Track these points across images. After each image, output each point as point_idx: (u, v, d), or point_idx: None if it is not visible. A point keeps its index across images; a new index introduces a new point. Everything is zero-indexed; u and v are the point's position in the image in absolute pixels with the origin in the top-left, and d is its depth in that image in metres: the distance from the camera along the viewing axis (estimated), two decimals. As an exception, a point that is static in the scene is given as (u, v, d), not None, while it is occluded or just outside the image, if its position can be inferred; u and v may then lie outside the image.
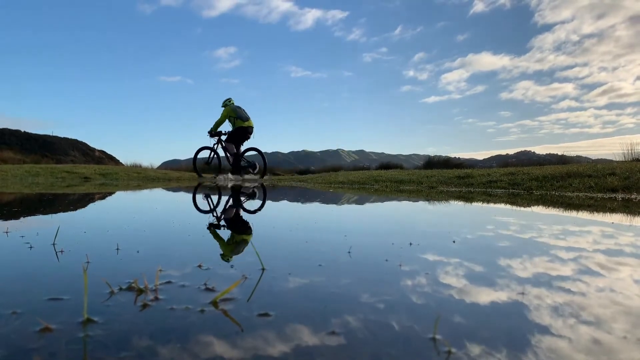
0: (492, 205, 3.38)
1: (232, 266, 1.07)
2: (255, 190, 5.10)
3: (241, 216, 2.46)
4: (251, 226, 1.93)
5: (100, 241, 1.43)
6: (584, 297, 0.87)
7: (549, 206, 3.20)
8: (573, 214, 2.67)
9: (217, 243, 1.47)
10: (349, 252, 1.27)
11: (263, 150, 9.17)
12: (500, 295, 0.87)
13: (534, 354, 0.59)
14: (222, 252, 1.31)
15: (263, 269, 1.03)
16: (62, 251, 1.22)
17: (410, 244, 1.43)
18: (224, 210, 2.79)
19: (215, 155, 9.26)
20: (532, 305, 0.80)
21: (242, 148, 9.02)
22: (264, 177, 9.03)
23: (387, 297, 0.84)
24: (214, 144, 9.19)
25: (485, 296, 0.86)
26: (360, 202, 3.82)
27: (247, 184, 6.76)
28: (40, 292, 0.83)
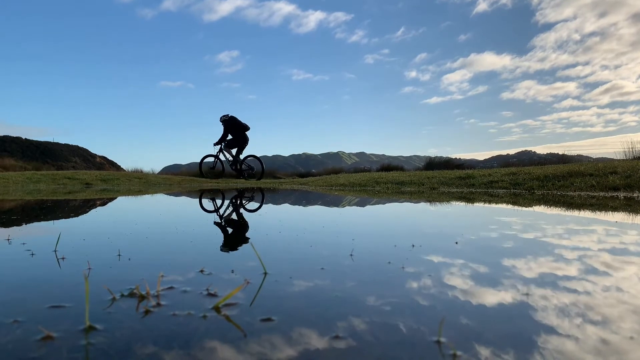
0: (494, 205, 3.37)
1: (233, 271, 1.06)
2: None
3: (243, 220, 2.46)
4: (253, 229, 1.93)
5: (102, 248, 1.42)
6: (590, 297, 0.86)
7: (551, 206, 3.19)
8: (575, 213, 2.66)
9: (219, 247, 1.47)
10: (351, 255, 1.26)
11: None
12: (506, 297, 0.86)
13: (541, 357, 0.59)
14: (223, 257, 1.30)
15: (265, 273, 1.03)
16: (63, 258, 1.21)
17: (413, 245, 1.42)
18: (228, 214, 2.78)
19: None
20: (538, 306, 0.80)
21: None
22: None
23: (391, 299, 0.83)
24: None
25: (490, 297, 0.86)
26: (361, 204, 3.82)
27: None
28: (42, 299, 0.83)
